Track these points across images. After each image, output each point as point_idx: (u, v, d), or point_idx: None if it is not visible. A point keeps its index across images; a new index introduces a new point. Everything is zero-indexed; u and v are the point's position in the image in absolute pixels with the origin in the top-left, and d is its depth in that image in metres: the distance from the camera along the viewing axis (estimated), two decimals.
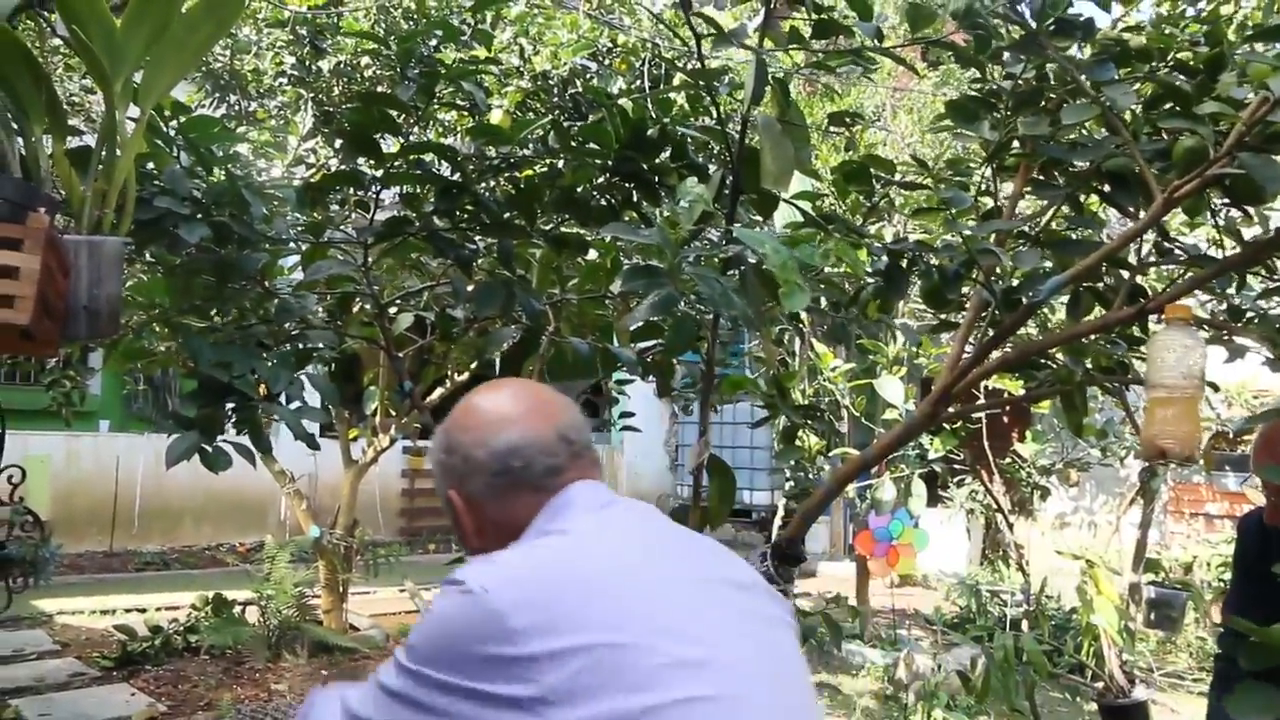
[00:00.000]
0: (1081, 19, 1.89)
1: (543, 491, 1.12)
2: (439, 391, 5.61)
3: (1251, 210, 2.15)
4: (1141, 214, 1.92)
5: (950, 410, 2.50)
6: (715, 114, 2.34)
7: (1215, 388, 2.77)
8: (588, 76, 5.04)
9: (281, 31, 5.23)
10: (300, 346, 2.62)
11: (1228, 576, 5.14)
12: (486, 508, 1.14)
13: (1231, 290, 2.24)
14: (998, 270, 2.14)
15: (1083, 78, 1.83)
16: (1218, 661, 2.18)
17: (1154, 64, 1.94)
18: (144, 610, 6.33)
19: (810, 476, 5.53)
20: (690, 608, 1.04)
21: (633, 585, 1.03)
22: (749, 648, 1.05)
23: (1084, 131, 2.10)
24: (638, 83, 5.27)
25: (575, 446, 1.15)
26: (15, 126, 1.81)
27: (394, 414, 5.84)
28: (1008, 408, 6.06)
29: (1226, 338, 2.30)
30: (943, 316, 2.79)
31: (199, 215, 2.18)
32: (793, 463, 5.47)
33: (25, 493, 2.66)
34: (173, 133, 2.31)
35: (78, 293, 1.77)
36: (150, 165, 2.26)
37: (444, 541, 10.26)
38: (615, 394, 3.54)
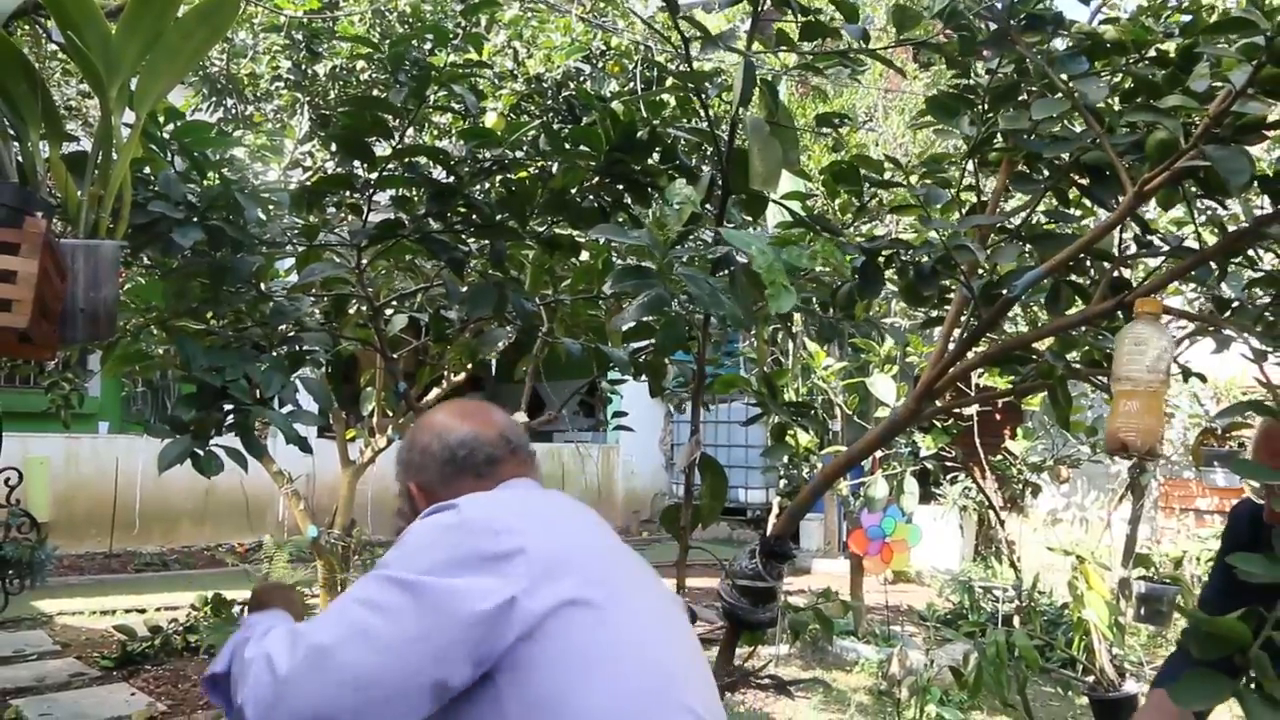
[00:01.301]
0: (1052, 13, 1.91)
1: (483, 479, 1.36)
2: (434, 392, 5.64)
3: (1237, 204, 2.18)
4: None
5: (936, 405, 2.53)
6: (705, 116, 2.37)
7: (1203, 379, 2.80)
8: (581, 79, 5.07)
9: (277, 36, 5.26)
10: (294, 349, 2.64)
11: None
12: (437, 493, 1.34)
13: (1216, 281, 2.26)
14: (982, 266, 2.17)
15: (1055, 72, 1.86)
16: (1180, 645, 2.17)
17: (1129, 56, 1.96)
18: (144, 611, 6.36)
19: (803, 474, 5.56)
20: (614, 560, 1.29)
21: (573, 527, 1.30)
22: (655, 604, 1.30)
23: (1067, 125, 2.13)
24: (631, 85, 5.30)
25: (513, 445, 1.41)
26: (12, 132, 1.84)
27: (391, 415, 5.86)
28: (999, 404, 6.09)
29: (1212, 329, 2.33)
30: (932, 313, 2.82)
31: (193, 219, 2.21)
32: (785, 460, 5.50)
33: (23, 494, 2.68)
34: (167, 137, 2.35)
35: (75, 296, 1.80)
36: (146, 170, 2.30)
37: None
38: (609, 394, 3.57)
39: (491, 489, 1.33)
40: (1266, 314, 2.17)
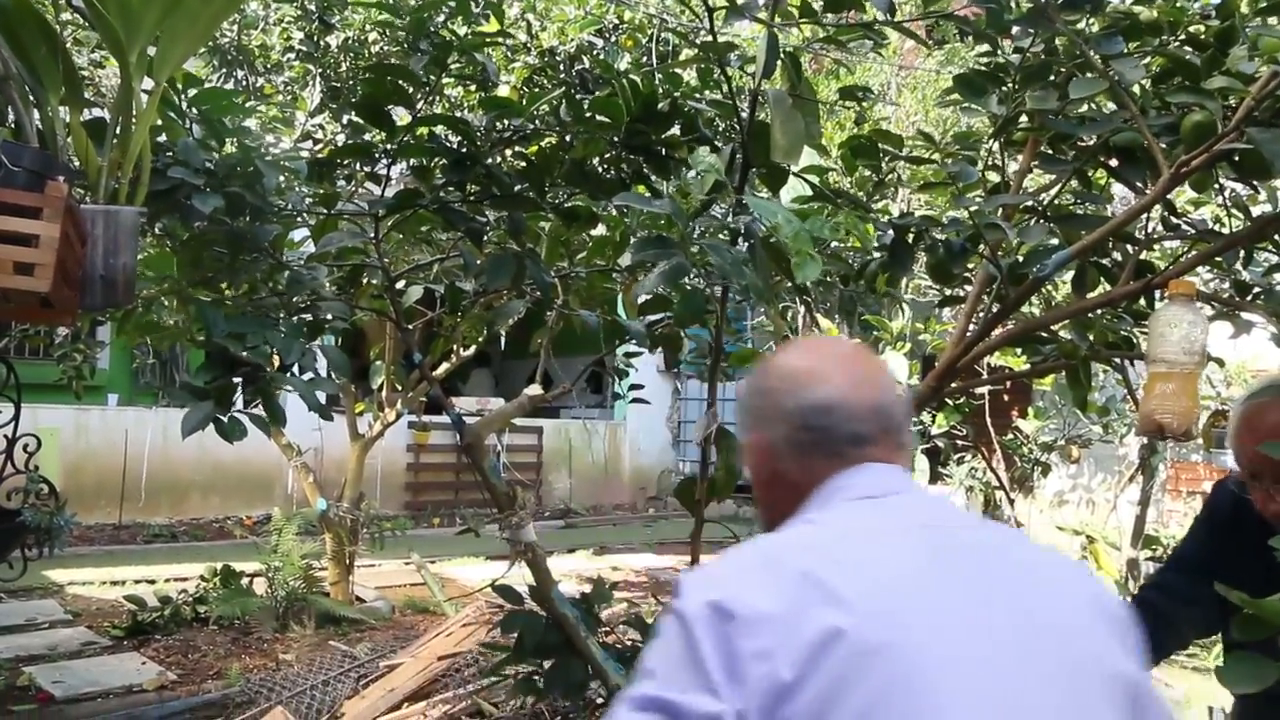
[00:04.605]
0: None
1: (841, 459, 1.03)
2: (445, 365, 5.64)
3: (1260, 186, 2.16)
4: (1149, 189, 1.94)
5: (953, 385, 2.52)
6: (727, 88, 2.35)
7: (1220, 363, 2.78)
8: (594, 53, 5.03)
9: (289, 7, 5.22)
10: (312, 318, 2.64)
11: None
12: (782, 460, 1.07)
13: (1239, 266, 2.25)
14: (1004, 245, 2.16)
15: (1091, 52, 1.83)
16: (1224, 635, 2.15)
17: (1164, 38, 1.94)
18: (153, 581, 6.40)
19: None
20: (974, 653, 0.85)
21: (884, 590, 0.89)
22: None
23: (1093, 106, 2.10)
24: (644, 59, 5.26)
25: (886, 424, 1.05)
26: (32, 97, 1.83)
27: (400, 388, 5.87)
28: (1008, 385, 6.08)
29: (1231, 313, 2.32)
30: (948, 291, 2.81)
31: (212, 186, 2.20)
32: None
33: (39, 462, 2.69)
34: (185, 105, 2.33)
35: (94, 262, 1.80)
36: (163, 137, 2.28)
37: (448, 515, 10.32)
38: (623, 367, 3.57)
39: (843, 469, 1.03)
40: None
